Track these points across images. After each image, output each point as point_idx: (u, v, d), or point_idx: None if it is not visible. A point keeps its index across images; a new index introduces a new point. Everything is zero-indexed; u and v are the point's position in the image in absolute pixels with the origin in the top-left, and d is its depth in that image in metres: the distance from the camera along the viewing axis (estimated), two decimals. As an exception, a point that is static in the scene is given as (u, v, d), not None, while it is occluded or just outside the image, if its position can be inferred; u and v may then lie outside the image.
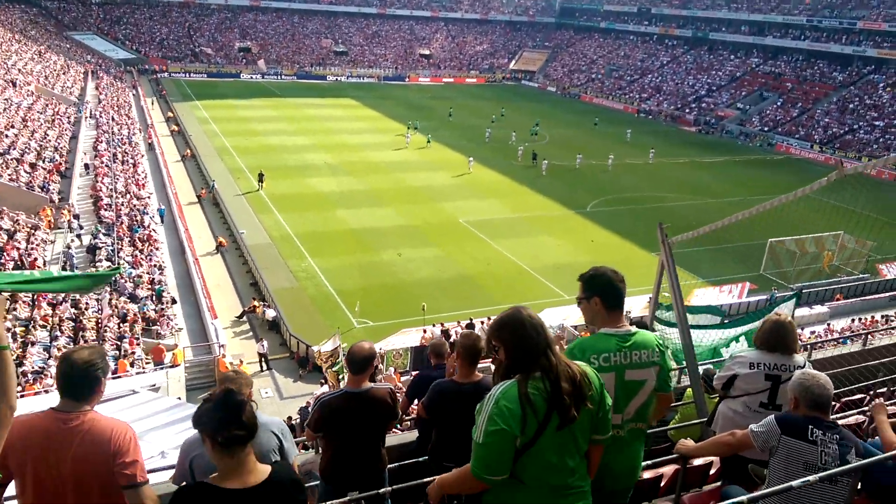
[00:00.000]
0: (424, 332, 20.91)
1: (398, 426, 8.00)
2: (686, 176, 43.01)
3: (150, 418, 11.10)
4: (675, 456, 4.17)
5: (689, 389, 6.52)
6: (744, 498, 3.03)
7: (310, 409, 4.48)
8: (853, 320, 23.86)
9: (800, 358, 4.15)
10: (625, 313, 3.31)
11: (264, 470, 2.41)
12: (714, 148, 54.42)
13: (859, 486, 3.71)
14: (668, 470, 4.81)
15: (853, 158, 50.13)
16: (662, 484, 4.67)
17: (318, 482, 4.54)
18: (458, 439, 2.72)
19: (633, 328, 3.12)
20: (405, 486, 4.49)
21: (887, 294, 26.49)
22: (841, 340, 13.91)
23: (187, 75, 72.90)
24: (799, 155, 52.42)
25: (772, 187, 36.83)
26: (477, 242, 29.48)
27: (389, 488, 4.37)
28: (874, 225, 33.50)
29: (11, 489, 2.84)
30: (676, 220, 28.32)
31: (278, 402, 18.33)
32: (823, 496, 3.15)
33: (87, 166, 33.65)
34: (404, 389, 5.79)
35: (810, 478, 3.01)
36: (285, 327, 21.62)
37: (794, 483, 3.01)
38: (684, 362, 6.62)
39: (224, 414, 2.35)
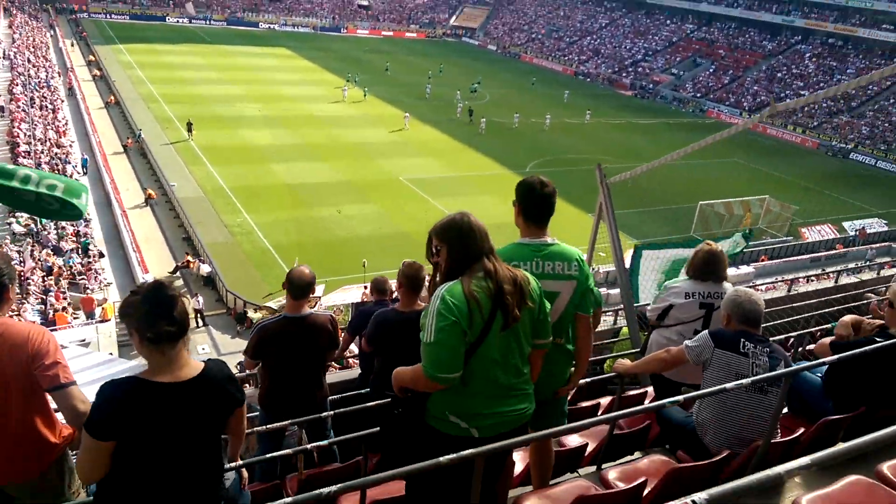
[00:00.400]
0: (365, 288, 20.81)
1: (339, 363, 7.96)
2: (622, 139, 43.79)
3: (80, 373, 10.69)
4: (612, 379, 4.31)
5: (625, 327, 6.82)
6: (680, 398, 3.17)
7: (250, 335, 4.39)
8: (776, 280, 25.15)
9: (729, 286, 4.28)
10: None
11: (197, 366, 2.33)
12: (649, 112, 55.57)
13: (786, 406, 3.98)
14: (606, 400, 4.98)
15: (778, 126, 52.25)
16: (600, 413, 4.85)
17: (257, 412, 4.50)
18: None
19: (553, 239, 3.09)
20: (345, 410, 4.51)
21: (808, 256, 27.93)
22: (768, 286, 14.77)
23: (109, 17, 68.64)
24: (729, 121, 54.15)
25: (703, 151, 38.07)
26: (417, 200, 29.31)
27: (331, 412, 4.37)
28: (796, 190, 35.26)
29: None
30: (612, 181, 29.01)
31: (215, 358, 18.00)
32: (752, 406, 3.33)
33: (1, 108, 31.48)
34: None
35: (742, 381, 3.16)
36: (221, 283, 21.09)
37: (728, 385, 3.15)
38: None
39: (153, 308, 2.22)
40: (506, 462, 3.00)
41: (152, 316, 2.21)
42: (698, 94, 61.27)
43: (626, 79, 67.26)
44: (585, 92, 60.07)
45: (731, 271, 25.88)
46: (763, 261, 26.86)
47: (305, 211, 26.93)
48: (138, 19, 69.53)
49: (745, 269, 26.06)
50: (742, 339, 3.41)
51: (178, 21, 71.86)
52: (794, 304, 8.70)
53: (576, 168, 35.58)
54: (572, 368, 3.28)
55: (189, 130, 34.19)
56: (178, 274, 21.81)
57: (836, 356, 3.62)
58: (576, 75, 70.23)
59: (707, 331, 3.55)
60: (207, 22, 73.68)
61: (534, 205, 3.06)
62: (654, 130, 47.61)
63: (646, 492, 3.12)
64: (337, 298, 20.28)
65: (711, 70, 64.82)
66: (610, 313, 11.83)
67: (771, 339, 3.49)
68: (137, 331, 2.24)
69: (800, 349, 6.00)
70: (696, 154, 37.13)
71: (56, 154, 28.11)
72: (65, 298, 17.74)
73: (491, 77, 60.91)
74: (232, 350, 18.28)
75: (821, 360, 3.65)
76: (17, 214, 22.11)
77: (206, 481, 2.42)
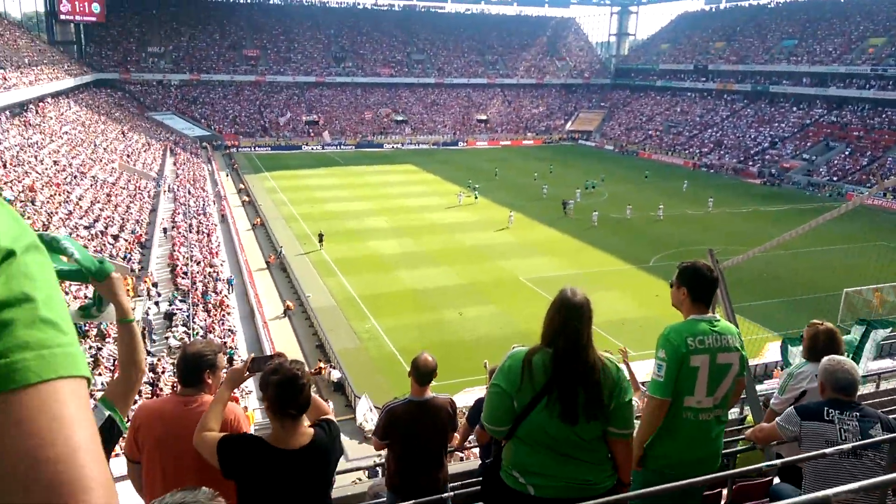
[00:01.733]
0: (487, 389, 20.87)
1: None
2: (749, 227, 42.02)
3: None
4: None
5: (749, 415, 6.52)
6: (777, 462, 3.12)
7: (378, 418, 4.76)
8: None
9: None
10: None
11: (309, 434, 2.79)
12: (779, 199, 53.15)
13: None
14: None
15: (932, 205, 48.05)
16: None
17: (385, 499, 4.80)
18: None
19: (717, 315, 3.37)
20: (465, 491, 4.72)
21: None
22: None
23: (257, 149, 76.86)
24: (871, 203, 50.54)
25: (841, 237, 35.67)
26: (538, 299, 29.38)
27: (451, 494, 4.57)
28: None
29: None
30: (743, 273, 27.84)
31: (344, 464, 18.42)
32: (857, 476, 3.17)
33: (165, 230, 35.69)
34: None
35: (827, 451, 3.11)
36: (350, 388, 21.98)
37: (810, 455, 3.13)
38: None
39: (284, 394, 2.70)
40: None
41: (282, 401, 2.72)
42: (834, 178, 58.02)
43: (752, 167, 65.22)
44: (708, 183, 58.71)
45: (885, 363, 23.58)
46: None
47: (429, 314, 27.81)
48: (282, 149, 77.17)
49: (888, 363, 23.54)
50: (826, 408, 3.37)
51: (314, 148, 79.03)
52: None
53: (702, 259, 34.46)
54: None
55: (320, 241, 37.18)
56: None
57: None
58: (699, 167, 69.05)
59: (792, 406, 3.55)
60: (339, 147, 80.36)
61: (703, 288, 3.38)
62: (785, 217, 45.24)
63: None
64: (460, 401, 20.47)
65: (847, 153, 61.50)
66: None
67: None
68: (269, 405, 2.77)
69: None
70: (838, 239, 34.96)
71: (209, 273, 31.21)
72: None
73: (607, 174, 61.29)
74: (359, 455, 18.73)
75: None
76: (174, 329, 24.55)
77: None
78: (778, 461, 3.28)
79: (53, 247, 2.19)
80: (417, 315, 27.79)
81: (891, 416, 3.45)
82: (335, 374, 22.74)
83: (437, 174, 62.59)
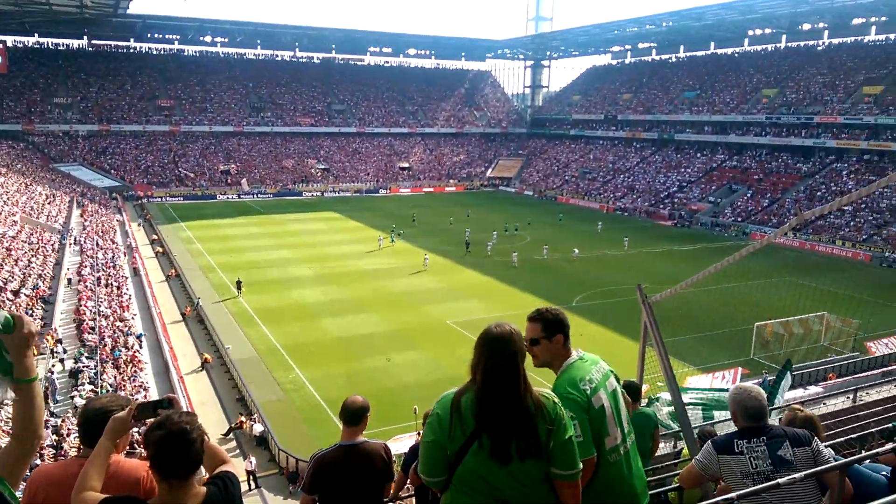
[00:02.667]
0: (419, 435, 20.35)
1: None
2: (663, 266, 43.75)
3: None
4: None
5: (685, 448, 6.48)
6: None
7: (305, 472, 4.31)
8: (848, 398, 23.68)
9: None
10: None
11: (200, 494, 2.39)
12: (689, 238, 55.82)
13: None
14: None
15: (827, 242, 51.53)
16: None
17: None
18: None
19: (580, 350, 3.16)
20: None
21: (879, 370, 26.42)
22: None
23: (171, 199, 74.40)
24: (779, 242, 53.66)
25: (749, 272, 37.51)
26: (465, 343, 29.24)
27: None
28: (855, 304, 33.99)
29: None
30: (660, 309, 28.59)
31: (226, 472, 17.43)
32: (781, 497, 3.15)
33: (70, 281, 33.60)
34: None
35: (756, 487, 3.12)
36: (273, 442, 20.96)
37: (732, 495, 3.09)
38: (677, 424, 6.59)
39: (169, 451, 2.31)
40: None
41: (167, 461, 2.32)
42: (739, 219, 61.50)
43: (664, 210, 68.37)
44: (624, 225, 61.05)
45: (797, 392, 24.73)
46: (831, 378, 25.46)
47: (356, 363, 27.14)
48: (198, 199, 74.98)
49: (813, 389, 24.67)
50: (735, 440, 3.40)
51: (231, 197, 77.27)
52: (859, 414, 8.18)
53: (621, 299, 35.44)
54: None
55: (238, 288, 36.47)
56: (230, 436, 21.81)
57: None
58: (614, 211, 71.76)
59: (709, 441, 3.54)
60: (257, 196, 78.85)
61: (568, 328, 3.13)
62: (696, 256, 47.50)
63: None
64: (392, 448, 19.84)
65: (749, 195, 65.46)
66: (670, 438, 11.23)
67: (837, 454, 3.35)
68: (152, 465, 2.35)
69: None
70: (746, 275, 36.58)
71: (118, 328, 29.44)
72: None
73: (527, 218, 62.80)
74: (284, 511, 17.80)
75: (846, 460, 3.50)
76: (80, 388, 22.85)
77: None
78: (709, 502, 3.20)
79: None
80: (344, 363, 27.06)
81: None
82: (258, 428, 21.66)
83: (360, 221, 62.29)
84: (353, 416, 4.16)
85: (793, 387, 26.30)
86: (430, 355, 27.87)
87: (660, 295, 8.96)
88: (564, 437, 2.61)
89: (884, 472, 3.85)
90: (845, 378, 25.98)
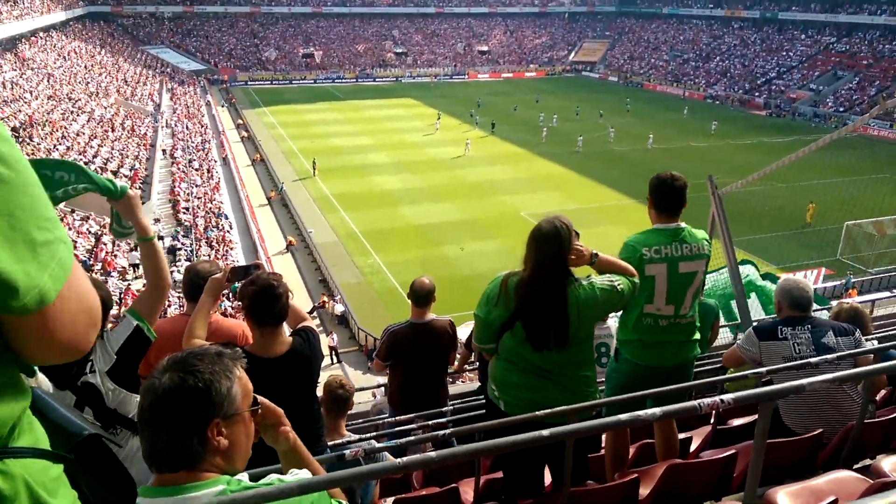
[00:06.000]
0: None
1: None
2: (752, 159, 41.56)
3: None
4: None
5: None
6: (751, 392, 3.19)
7: (380, 340, 4.90)
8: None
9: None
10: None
11: (288, 342, 2.86)
12: (784, 130, 52.52)
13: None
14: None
15: (938, 136, 47.50)
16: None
17: (387, 414, 4.98)
18: None
19: (683, 224, 3.35)
20: (464, 405, 4.92)
21: (976, 276, 25.09)
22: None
23: (252, 84, 75.39)
24: (877, 135, 49.93)
25: (845, 169, 35.44)
26: (539, 234, 29.52)
27: (450, 407, 4.74)
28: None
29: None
30: (742, 205, 27.69)
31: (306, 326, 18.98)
32: (821, 388, 3.21)
33: (164, 153, 35.51)
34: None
35: (790, 364, 3.28)
36: (353, 321, 22.36)
37: (766, 369, 3.29)
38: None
39: (261, 304, 2.74)
40: (588, 443, 3.25)
41: (259, 310, 2.76)
42: (840, 109, 57.11)
43: (758, 98, 64.13)
44: (713, 115, 57.87)
45: (883, 294, 23.89)
46: (922, 283, 24.41)
47: (431, 250, 27.97)
48: (280, 83, 75.70)
49: (885, 294, 23.83)
50: (779, 327, 3.49)
51: (314, 82, 77.49)
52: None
53: (700, 194, 34.29)
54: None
55: (314, 168, 38.67)
56: (314, 314, 23.36)
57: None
58: (704, 99, 67.90)
59: (751, 327, 3.68)
60: (335, 81, 78.65)
61: (666, 196, 3.34)
62: (788, 149, 44.28)
63: (736, 472, 3.13)
64: (462, 334, 20.82)
65: (855, 82, 60.30)
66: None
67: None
68: (247, 315, 2.82)
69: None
70: (842, 170, 34.52)
71: (210, 209, 31.21)
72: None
73: (603, 106, 60.40)
74: (365, 385, 19.21)
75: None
76: (178, 264, 24.75)
77: (300, 433, 2.89)
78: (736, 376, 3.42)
79: (65, 167, 2.26)
80: (419, 250, 27.96)
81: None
82: (339, 308, 23.09)
83: (437, 108, 61.64)
84: (422, 297, 4.62)
85: (878, 290, 25.45)
86: (502, 246, 28.30)
87: (731, 186, 8.73)
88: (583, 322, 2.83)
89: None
90: (936, 282, 24.86)
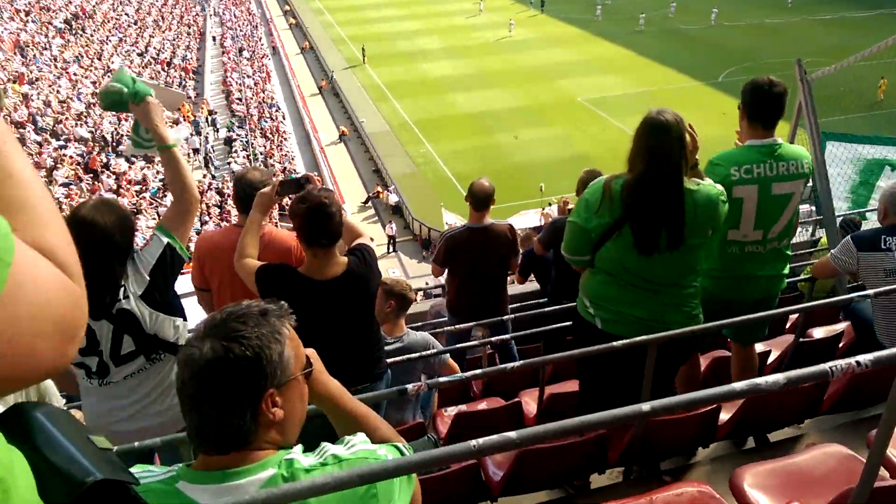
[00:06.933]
0: (543, 210, 21.05)
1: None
2: (830, 38, 38.62)
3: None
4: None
5: (823, 237, 6.34)
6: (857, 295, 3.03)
7: (436, 244, 4.71)
8: None
9: None
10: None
11: (343, 263, 2.68)
12: (869, 2, 48.07)
13: None
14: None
15: None
16: (787, 325, 4.66)
17: (446, 318, 4.91)
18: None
19: (779, 139, 2.97)
20: (524, 315, 4.84)
21: None
22: None
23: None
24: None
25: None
26: (596, 121, 28.57)
27: (511, 316, 4.68)
28: None
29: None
30: (820, 88, 25.69)
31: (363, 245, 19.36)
32: None
33: (215, 39, 35.31)
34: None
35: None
36: (407, 211, 22.51)
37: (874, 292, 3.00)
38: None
39: (314, 223, 2.54)
40: (685, 358, 2.98)
41: (312, 230, 2.57)
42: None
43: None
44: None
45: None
46: None
47: (484, 138, 27.47)
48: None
49: None
50: (883, 236, 3.16)
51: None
52: None
53: (776, 73, 32.21)
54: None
55: (363, 55, 37.83)
56: (369, 204, 23.59)
57: None
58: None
59: (849, 236, 3.32)
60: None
61: (762, 105, 2.93)
62: (873, 25, 41.17)
63: (826, 395, 3.03)
64: (517, 223, 20.73)
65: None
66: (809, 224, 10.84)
67: None
68: (298, 235, 2.62)
69: None
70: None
71: (263, 99, 31.15)
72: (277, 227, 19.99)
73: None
74: (418, 273, 19.62)
75: None
76: (235, 155, 25.08)
77: (358, 361, 2.82)
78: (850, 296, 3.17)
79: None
80: (472, 139, 27.49)
81: None
82: (393, 198, 23.20)
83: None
84: (481, 200, 4.37)
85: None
86: (559, 133, 27.58)
87: (822, 71, 7.99)
88: (716, 229, 2.62)
89: None
90: None
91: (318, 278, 2.63)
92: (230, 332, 1.11)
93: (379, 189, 23.86)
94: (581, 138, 26.75)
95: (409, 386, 2.50)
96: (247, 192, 3.04)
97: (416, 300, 3.53)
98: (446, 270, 4.68)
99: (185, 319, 2.59)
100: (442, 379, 2.60)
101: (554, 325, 4.38)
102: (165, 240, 2.44)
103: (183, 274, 2.61)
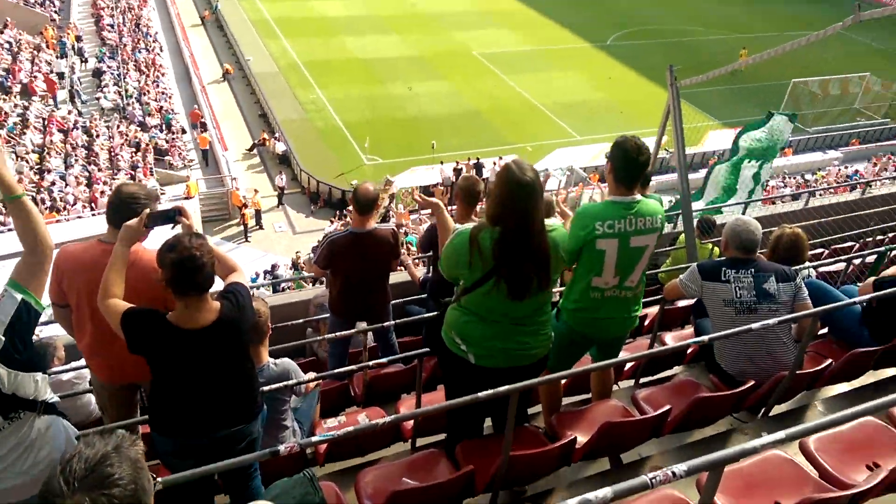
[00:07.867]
0: (433, 169, 21.02)
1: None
2: (716, 7, 40.42)
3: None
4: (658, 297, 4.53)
5: (682, 235, 6.79)
6: (705, 339, 3.29)
7: (319, 246, 4.73)
8: (869, 162, 23.67)
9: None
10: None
11: (215, 309, 2.56)
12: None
13: (825, 330, 4.20)
14: (653, 310, 5.11)
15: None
16: (646, 323, 5.06)
17: (328, 315, 4.98)
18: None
19: (638, 196, 3.18)
20: (406, 321, 4.97)
21: (904, 139, 26.05)
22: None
23: None
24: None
25: (813, 23, 34.81)
26: (489, 77, 28.57)
27: (392, 323, 4.81)
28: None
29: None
30: (700, 56, 27.13)
31: (290, 237, 18.89)
32: (756, 331, 3.30)
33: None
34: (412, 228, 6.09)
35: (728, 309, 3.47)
36: (295, 161, 21.70)
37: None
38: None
39: (182, 273, 2.42)
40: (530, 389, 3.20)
41: (181, 283, 2.44)
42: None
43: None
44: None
45: (816, 156, 24.64)
46: (854, 144, 25.19)
47: (377, 87, 26.81)
48: None
49: (832, 154, 24.65)
50: (723, 268, 3.52)
51: None
52: (875, 210, 8.20)
53: (659, 41, 33.47)
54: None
55: None
56: (254, 151, 22.55)
57: (869, 296, 3.72)
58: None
59: (695, 264, 3.68)
60: None
61: (628, 170, 3.10)
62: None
63: (670, 418, 3.28)
64: (406, 180, 20.56)
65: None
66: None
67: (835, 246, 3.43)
68: (167, 284, 2.46)
69: (850, 270, 5.80)
70: (801, 23, 33.32)
71: (138, 26, 28.63)
72: (152, 175, 18.78)
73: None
74: (306, 229, 19.16)
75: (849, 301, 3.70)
76: (105, 89, 23.04)
77: (234, 404, 2.74)
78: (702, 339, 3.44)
79: None
80: (365, 86, 26.74)
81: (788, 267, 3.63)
82: (280, 147, 22.27)
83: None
84: (365, 205, 4.41)
85: (813, 150, 26.19)
86: (452, 87, 27.37)
87: (690, 80, 8.30)
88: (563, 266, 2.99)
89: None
90: (868, 145, 25.72)
91: (188, 327, 2.52)
92: (105, 480, 1.16)
93: (265, 136, 22.80)
94: (473, 94, 26.71)
95: (281, 447, 2.43)
96: (120, 206, 2.87)
97: (269, 331, 3.46)
98: (328, 271, 4.72)
99: (44, 372, 2.46)
100: (314, 439, 2.54)
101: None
102: (20, 296, 2.28)
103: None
